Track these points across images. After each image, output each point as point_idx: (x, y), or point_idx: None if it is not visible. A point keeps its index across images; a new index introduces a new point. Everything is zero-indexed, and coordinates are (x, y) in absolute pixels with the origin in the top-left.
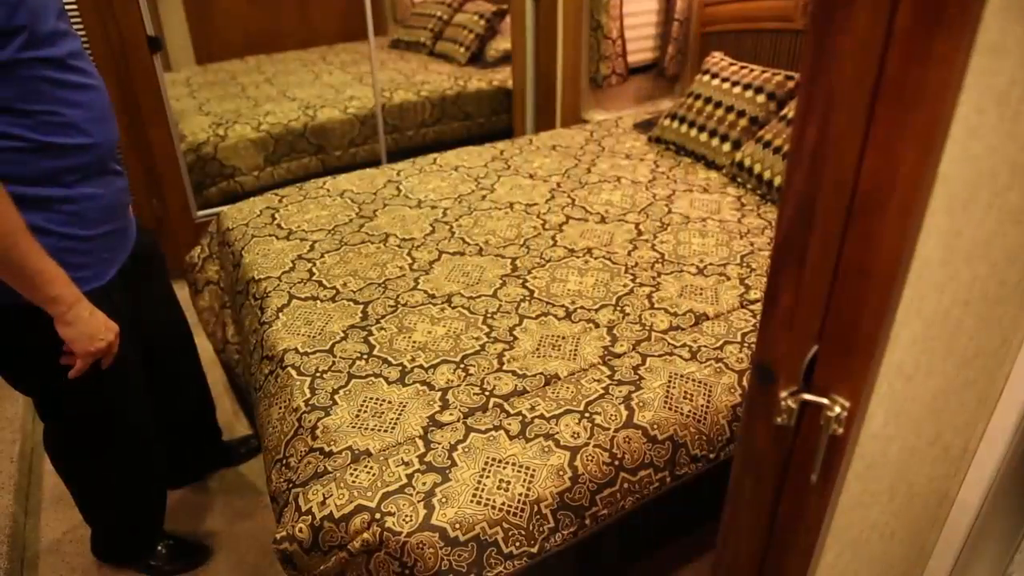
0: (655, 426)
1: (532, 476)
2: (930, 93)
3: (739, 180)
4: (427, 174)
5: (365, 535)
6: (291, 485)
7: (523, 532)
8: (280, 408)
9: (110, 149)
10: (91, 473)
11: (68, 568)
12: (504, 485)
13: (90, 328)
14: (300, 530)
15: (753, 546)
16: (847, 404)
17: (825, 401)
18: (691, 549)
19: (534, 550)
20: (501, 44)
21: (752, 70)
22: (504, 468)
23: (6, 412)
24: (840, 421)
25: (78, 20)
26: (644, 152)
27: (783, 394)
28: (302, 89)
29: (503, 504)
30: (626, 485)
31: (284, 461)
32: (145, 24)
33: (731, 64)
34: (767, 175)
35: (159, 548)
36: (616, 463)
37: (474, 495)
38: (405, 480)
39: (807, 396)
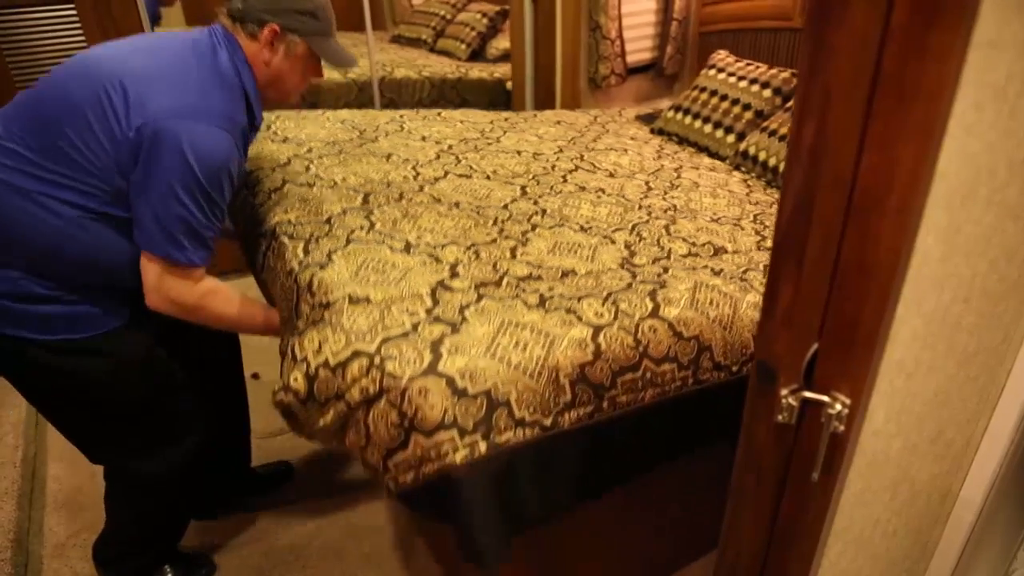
0: (681, 323)
1: (552, 342)
2: (927, 89)
3: (744, 168)
4: (431, 122)
5: (363, 382)
6: (291, 338)
7: (538, 397)
8: (280, 277)
9: None
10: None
11: (72, 573)
12: (522, 344)
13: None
14: (295, 379)
15: (755, 545)
16: (848, 401)
17: (826, 399)
18: (692, 549)
19: (547, 422)
20: (502, 43)
21: (758, 67)
22: (522, 331)
23: (9, 417)
24: (841, 419)
25: (76, 21)
26: (648, 138)
27: (784, 392)
28: None
29: (519, 363)
30: (648, 375)
31: (292, 323)
32: (144, 25)
33: (737, 61)
34: (772, 162)
35: (165, 567)
36: (641, 349)
37: (488, 349)
38: (410, 327)
39: (808, 394)
